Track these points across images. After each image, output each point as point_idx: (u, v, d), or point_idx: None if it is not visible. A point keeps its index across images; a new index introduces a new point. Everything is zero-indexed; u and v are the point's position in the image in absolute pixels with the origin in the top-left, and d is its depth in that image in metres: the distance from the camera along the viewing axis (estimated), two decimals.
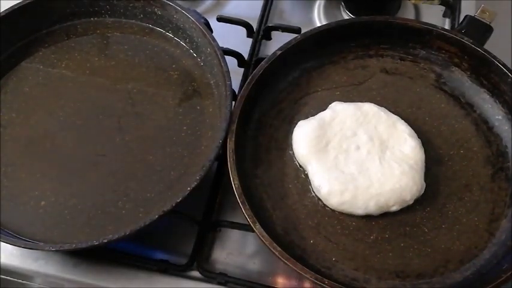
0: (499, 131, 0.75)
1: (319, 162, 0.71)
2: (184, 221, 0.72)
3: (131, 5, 0.85)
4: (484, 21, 0.78)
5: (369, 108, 0.74)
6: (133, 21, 0.86)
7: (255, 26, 0.89)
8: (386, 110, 0.75)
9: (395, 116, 0.74)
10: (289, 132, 0.75)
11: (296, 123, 0.75)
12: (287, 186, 0.72)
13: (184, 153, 0.75)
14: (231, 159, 0.68)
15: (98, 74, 0.82)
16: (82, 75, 0.82)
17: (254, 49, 0.87)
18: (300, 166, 0.73)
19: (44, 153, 0.76)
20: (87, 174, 0.74)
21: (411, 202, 0.69)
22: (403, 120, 0.74)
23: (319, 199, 0.71)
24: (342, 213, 0.70)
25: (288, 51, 0.77)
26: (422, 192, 0.70)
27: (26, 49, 0.84)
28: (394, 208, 0.69)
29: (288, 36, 0.80)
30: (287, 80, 0.79)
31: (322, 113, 0.75)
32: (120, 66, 0.83)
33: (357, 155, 0.71)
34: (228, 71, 0.74)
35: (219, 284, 0.70)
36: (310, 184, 0.71)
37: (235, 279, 0.70)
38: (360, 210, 0.68)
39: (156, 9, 0.83)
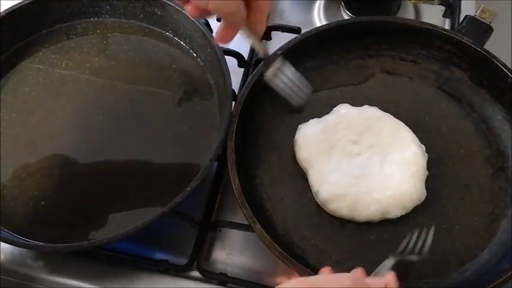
0: (499, 131, 0.75)
1: (320, 166, 0.70)
2: (184, 221, 0.72)
3: (131, 5, 0.85)
4: (484, 21, 0.78)
5: (374, 113, 0.74)
6: (133, 21, 0.86)
7: None
8: (391, 116, 0.74)
9: (400, 121, 0.73)
10: (289, 132, 0.75)
11: (296, 124, 0.75)
12: (287, 186, 0.72)
13: (184, 153, 0.75)
14: (231, 159, 0.68)
15: (98, 74, 0.82)
16: (82, 75, 0.82)
17: (254, 49, 0.87)
18: (301, 167, 0.73)
19: (43, 154, 0.76)
20: (87, 174, 0.74)
21: (410, 210, 0.68)
22: (407, 127, 0.73)
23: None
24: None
25: (288, 51, 0.76)
26: (423, 199, 0.69)
27: (26, 49, 0.84)
28: (393, 215, 0.68)
29: (288, 36, 0.80)
30: None
31: (326, 116, 0.75)
32: (120, 66, 0.83)
33: (359, 160, 0.71)
34: (228, 71, 0.74)
35: (219, 284, 0.70)
36: (310, 185, 0.71)
37: (235, 279, 0.70)
38: (359, 217, 0.68)
39: (156, 10, 0.83)
